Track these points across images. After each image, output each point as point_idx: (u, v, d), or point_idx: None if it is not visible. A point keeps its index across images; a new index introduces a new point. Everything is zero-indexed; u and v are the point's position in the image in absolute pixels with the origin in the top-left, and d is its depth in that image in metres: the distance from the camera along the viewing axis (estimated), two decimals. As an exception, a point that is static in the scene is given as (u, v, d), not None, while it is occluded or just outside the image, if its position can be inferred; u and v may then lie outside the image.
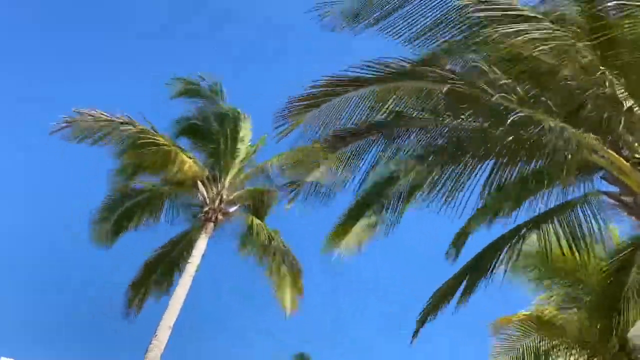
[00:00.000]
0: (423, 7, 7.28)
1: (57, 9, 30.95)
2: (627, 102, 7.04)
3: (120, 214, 16.39)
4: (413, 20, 7.36)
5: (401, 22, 7.40)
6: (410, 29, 7.41)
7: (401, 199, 8.89)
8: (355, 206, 9.33)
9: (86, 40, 31.94)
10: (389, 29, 7.46)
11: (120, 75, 29.81)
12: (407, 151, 8.32)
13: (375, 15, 7.46)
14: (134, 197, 16.40)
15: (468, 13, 6.99)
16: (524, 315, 12.38)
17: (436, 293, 8.58)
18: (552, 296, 12.52)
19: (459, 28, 7.29)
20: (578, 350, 10.92)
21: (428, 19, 7.32)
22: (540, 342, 11.68)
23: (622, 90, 7.05)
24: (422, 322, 8.54)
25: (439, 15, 7.30)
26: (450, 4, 7.19)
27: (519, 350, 11.88)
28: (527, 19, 6.80)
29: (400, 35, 7.46)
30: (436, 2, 7.24)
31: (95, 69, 30.52)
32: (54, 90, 28.85)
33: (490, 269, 8.17)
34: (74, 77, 30.47)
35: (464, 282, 8.34)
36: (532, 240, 8.46)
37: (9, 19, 27.81)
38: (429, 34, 7.39)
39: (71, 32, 31.67)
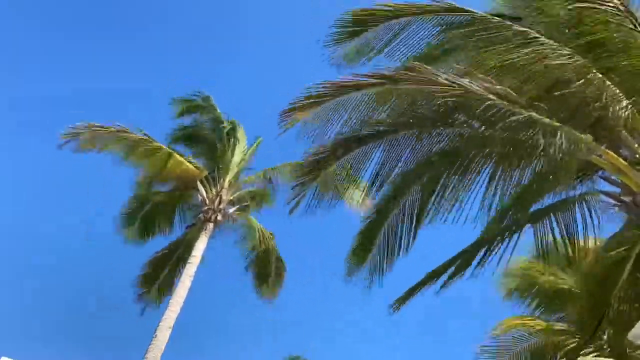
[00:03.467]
0: (417, 32, 8.00)
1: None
2: (622, 102, 7.12)
3: (140, 220, 16.67)
4: (409, 44, 8.15)
5: (395, 50, 8.27)
6: (407, 53, 8.18)
7: (412, 221, 8.72)
8: (366, 230, 9.11)
9: (82, 41, 31.92)
10: (386, 57, 8.30)
11: (117, 77, 29.78)
12: (409, 158, 8.35)
13: (375, 49, 8.32)
14: (146, 204, 16.68)
15: (461, 32, 7.43)
16: (512, 322, 12.36)
17: (426, 275, 8.53)
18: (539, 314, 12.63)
19: (453, 43, 7.72)
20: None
21: (423, 41, 8.01)
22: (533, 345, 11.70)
23: (617, 91, 7.13)
24: (405, 297, 8.43)
25: (432, 35, 7.91)
26: (442, 25, 7.74)
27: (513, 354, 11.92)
28: (519, 33, 7.17)
29: (399, 60, 8.23)
30: (429, 23, 7.83)
31: (91, 70, 30.50)
32: (52, 93, 28.81)
33: (482, 259, 8.11)
34: (65, 78, 30.47)
35: (453, 268, 8.25)
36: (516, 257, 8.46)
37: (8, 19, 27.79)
38: (423, 54, 7.99)
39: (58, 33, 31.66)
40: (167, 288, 16.64)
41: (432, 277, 8.22)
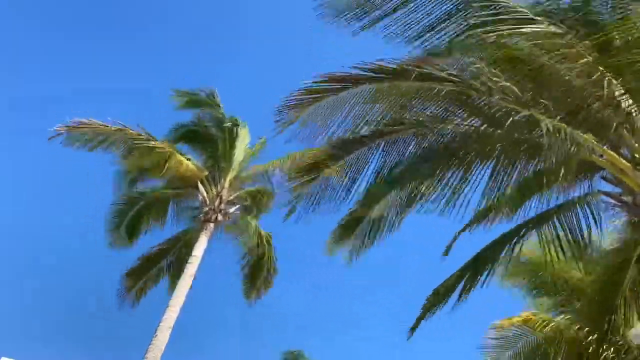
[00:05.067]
0: (420, 8, 7.34)
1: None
2: (625, 102, 7.09)
3: (130, 219, 16.51)
4: (411, 19, 7.40)
5: (400, 22, 7.42)
6: (408, 30, 7.43)
7: (402, 206, 8.74)
8: (354, 213, 9.11)
9: (82, 41, 31.90)
10: (388, 30, 7.48)
11: (117, 77, 29.78)
12: (409, 156, 8.30)
13: (374, 14, 7.47)
14: (139, 202, 16.52)
15: (467, 14, 7.11)
16: (518, 318, 12.29)
17: (435, 291, 8.57)
18: (542, 304, 12.56)
19: (458, 29, 7.33)
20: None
21: (425, 20, 7.38)
22: (535, 345, 11.65)
23: (621, 91, 7.10)
24: (420, 319, 8.50)
25: (436, 16, 7.37)
26: (449, 5, 7.29)
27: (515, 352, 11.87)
28: (527, 21, 6.92)
29: (399, 36, 7.47)
30: (434, 2, 7.31)
31: (91, 70, 30.50)
32: (52, 93, 28.79)
33: (489, 268, 8.17)
34: (65, 78, 30.46)
35: (463, 281, 8.31)
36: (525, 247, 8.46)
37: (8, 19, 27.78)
38: (426, 35, 7.41)
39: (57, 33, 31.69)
40: (153, 285, 16.74)
41: (446, 292, 8.28)
